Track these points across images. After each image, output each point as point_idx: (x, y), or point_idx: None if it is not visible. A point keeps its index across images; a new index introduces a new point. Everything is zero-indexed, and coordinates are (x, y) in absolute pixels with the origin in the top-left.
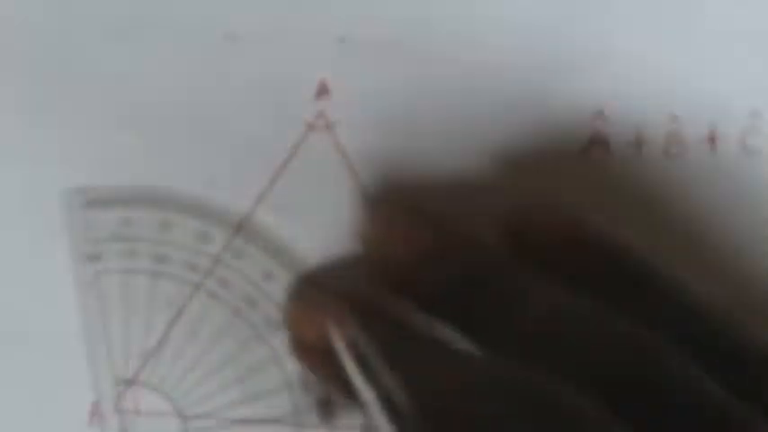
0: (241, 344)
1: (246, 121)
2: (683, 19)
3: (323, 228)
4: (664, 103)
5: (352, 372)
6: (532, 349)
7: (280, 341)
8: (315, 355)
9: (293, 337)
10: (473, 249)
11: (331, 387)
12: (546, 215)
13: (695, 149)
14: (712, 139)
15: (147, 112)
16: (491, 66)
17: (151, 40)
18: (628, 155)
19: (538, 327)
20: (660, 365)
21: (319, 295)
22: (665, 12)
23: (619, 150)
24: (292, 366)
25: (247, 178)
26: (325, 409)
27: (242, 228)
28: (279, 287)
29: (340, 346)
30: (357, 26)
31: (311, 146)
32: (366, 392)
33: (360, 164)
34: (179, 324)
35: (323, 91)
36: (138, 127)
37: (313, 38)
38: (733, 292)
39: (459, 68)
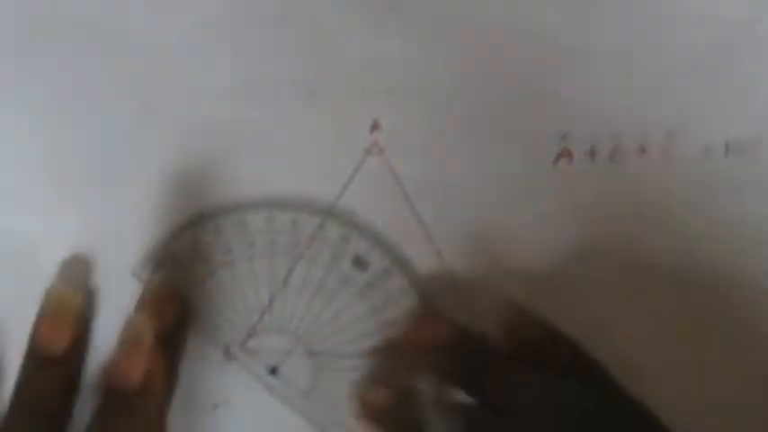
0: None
1: (325, 149)
2: (622, 62)
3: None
4: (609, 124)
5: None
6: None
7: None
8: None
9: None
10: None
11: None
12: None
13: (630, 157)
14: (643, 149)
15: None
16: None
17: (255, 97)
18: (585, 164)
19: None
20: None
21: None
22: (610, 57)
23: (579, 160)
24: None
25: (325, 187)
26: None
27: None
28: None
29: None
30: (402, 80)
31: (369, 165)
32: None
33: (404, 178)
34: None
35: (376, 126)
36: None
37: (368, 89)
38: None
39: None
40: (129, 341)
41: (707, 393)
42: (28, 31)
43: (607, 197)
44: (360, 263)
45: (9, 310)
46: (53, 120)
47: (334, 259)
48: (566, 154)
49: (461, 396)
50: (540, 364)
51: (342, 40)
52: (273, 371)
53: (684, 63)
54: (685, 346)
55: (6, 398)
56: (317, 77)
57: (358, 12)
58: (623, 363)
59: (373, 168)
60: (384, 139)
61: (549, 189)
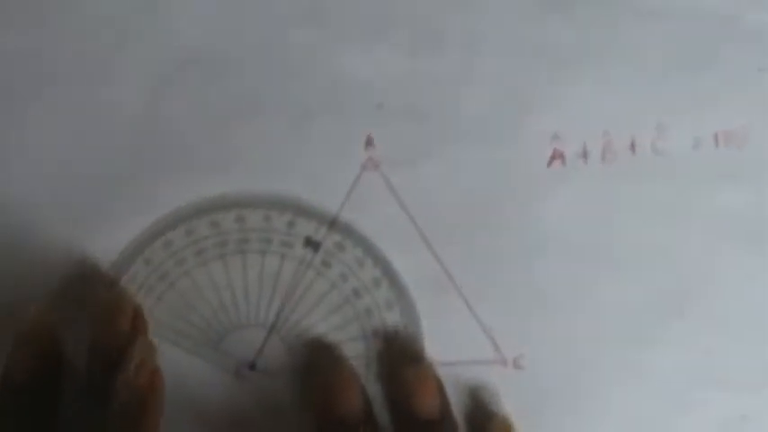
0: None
1: (325, 165)
2: (609, 58)
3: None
4: (599, 125)
5: None
6: None
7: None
8: None
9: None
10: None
11: None
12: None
13: (621, 155)
14: (632, 146)
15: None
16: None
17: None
18: (578, 164)
19: None
20: None
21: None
22: (597, 54)
23: (571, 161)
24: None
25: (327, 200)
26: None
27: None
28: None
29: None
30: (389, 96)
31: (365, 179)
32: None
33: (399, 189)
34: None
35: (369, 142)
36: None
37: (359, 106)
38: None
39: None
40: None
41: None
42: None
43: (601, 196)
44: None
45: None
46: None
47: (288, 247)
48: (558, 155)
49: None
50: None
51: (331, 60)
52: (252, 366)
53: (671, 58)
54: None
55: None
56: (309, 98)
57: (348, 31)
58: None
59: (370, 183)
60: (378, 155)
61: (544, 192)
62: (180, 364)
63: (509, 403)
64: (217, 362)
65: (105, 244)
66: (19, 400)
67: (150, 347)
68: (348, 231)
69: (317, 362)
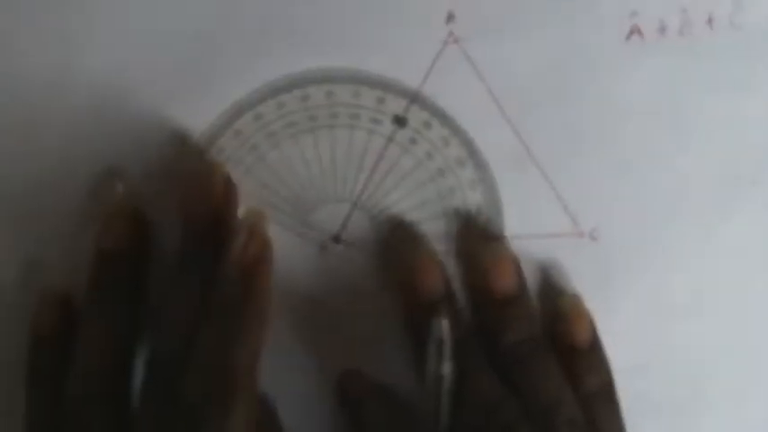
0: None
1: (403, 41)
2: None
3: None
4: (676, 1)
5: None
6: None
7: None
8: None
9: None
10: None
11: None
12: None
13: (699, 29)
14: (710, 21)
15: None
16: None
17: None
18: (655, 38)
19: None
20: None
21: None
22: None
23: (649, 35)
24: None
25: (409, 76)
26: None
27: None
28: (452, 150)
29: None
30: None
31: (446, 54)
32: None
33: (480, 64)
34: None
35: (451, 17)
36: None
37: None
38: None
39: None
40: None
41: None
42: None
43: (679, 70)
44: (399, 120)
45: None
46: None
47: (376, 123)
48: (635, 30)
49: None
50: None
51: None
52: (336, 239)
53: None
54: None
55: None
56: None
57: None
58: None
59: (451, 57)
60: (458, 30)
61: (623, 66)
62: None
63: (584, 274)
64: (303, 234)
65: (195, 115)
66: (111, 270)
67: (260, 215)
68: (434, 109)
69: (399, 241)
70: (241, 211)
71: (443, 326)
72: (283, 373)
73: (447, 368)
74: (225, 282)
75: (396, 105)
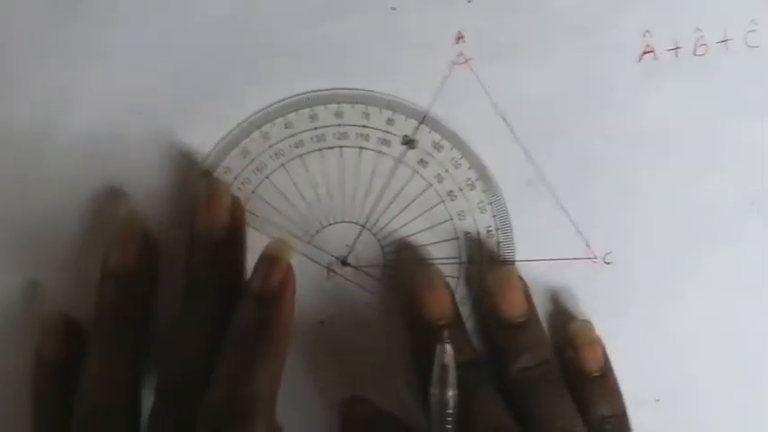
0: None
1: (412, 62)
2: None
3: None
4: (690, 20)
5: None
6: None
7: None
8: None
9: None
10: None
11: None
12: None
13: (713, 48)
14: (725, 41)
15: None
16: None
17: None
18: (668, 58)
19: None
20: None
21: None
22: None
23: (662, 56)
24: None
25: (419, 97)
26: None
27: (424, 121)
28: (462, 173)
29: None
30: None
31: (456, 75)
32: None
33: (490, 85)
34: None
35: (460, 37)
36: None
37: (450, 1)
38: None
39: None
40: None
41: None
42: None
43: (693, 91)
44: (408, 141)
45: None
46: None
47: (385, 144)
48: (649, 50)
49: None
50: None
51: None
52: (344, 262)
53: None
54: None
55: None
56: None
57: None
58: None
59: (460, 78)
60: (468, 50)
61: (636, 87)
62: None
63: (597, 299)
64: (310, 255)
65: (202, 134)
66: (118, 292)
67: (286, 244)
68: (444, 131)
69: (406, 263)
70: (268, 240)
71: (447, 351)
72: (288, 396)
73: (451, 393)
74: (246, 308)
75: (405, 126)
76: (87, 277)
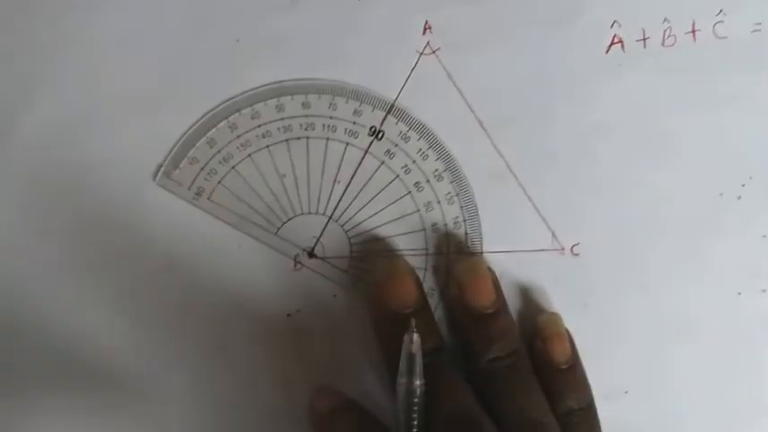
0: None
1: (380, 52)
2: None
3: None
4: (658, 11)
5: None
6: None
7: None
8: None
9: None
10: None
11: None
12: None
13: (681, 40)
14: (693, 31)
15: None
16: None
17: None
18: (637, 49)
19: None
20: None
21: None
22: None
23: (630, 47)
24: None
25: (386, 87)
26: None
27: (391, 112)
28: (429, 164)
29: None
30: None
31: (423, 66)
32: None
33: (457, 75)
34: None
35: (427, 27)
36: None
37: None
38: None
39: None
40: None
41: None
42: None
43: (661, 82)
44: (376, 132)
45: None
46: None
47: (352, 135)
48: (617, 42)
49: None
50: None
51: None
52: (311, 253)
53: None
54: None
55: None
56: None
57: None
58: None
59: (427, 68)
60: (436, 41)
61: (603, 78)
62: (241, 248)
63: (565, 291)
64: (277, 247)
65: (170, 123)
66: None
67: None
68: (411, 122)
69: (373, 254)
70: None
71: (414, 340)
72: (256, 387)
73: (418, 383)
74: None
75: (373, 117)
76: None
